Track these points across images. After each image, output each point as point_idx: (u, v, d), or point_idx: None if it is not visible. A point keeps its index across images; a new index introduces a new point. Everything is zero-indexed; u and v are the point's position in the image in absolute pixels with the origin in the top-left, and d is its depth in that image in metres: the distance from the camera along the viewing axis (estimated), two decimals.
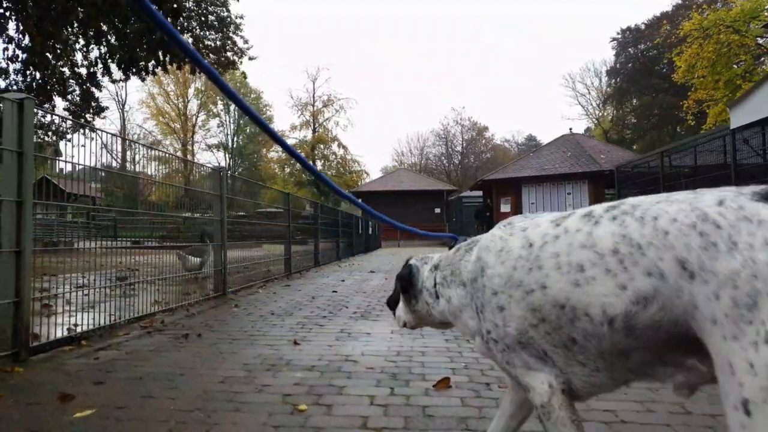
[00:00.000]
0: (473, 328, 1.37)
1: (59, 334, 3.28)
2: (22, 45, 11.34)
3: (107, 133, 4.19)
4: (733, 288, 0.84)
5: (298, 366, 2.78)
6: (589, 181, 18.66)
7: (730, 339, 0.83)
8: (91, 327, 3.54)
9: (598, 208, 1.12)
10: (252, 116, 1.55)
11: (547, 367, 1.18)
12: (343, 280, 7.36)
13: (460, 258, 1.45)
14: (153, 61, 12.18)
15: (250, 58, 20.47)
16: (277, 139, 1.74)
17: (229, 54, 20.28)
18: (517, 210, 19.85)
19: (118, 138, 4.77)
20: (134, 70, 12.89)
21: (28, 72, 11.83)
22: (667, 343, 0.99)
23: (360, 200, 2.56)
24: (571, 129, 23.15)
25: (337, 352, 3.11)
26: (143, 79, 16.30)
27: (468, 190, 28.21)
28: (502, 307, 1.21)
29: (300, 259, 9.62)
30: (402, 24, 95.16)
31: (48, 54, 11.52)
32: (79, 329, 3.46)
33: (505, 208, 20.35)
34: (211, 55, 20.16)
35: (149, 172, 5.34)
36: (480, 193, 25.18)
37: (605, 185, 19.16)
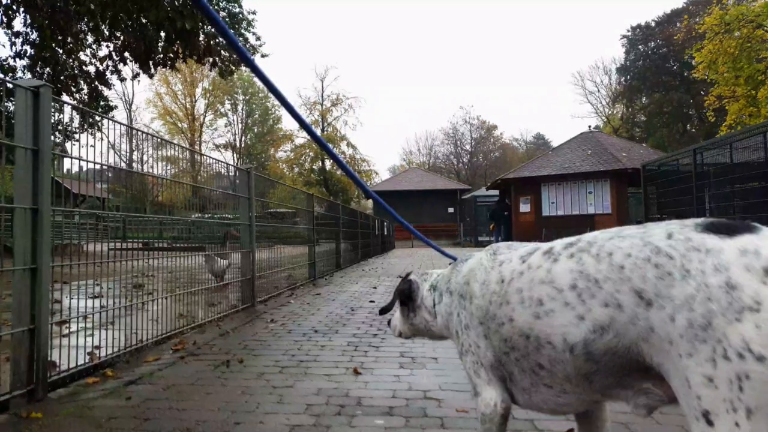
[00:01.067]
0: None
1: (79, 361, 2.80)
2: (30, 40, 10.91)
3: (142, 131, 3.73)
4: (688, 310, 0.92)
5: (372, 407, 2.28)
6: (611, 179, 18.07)
7: (686, 356, 0.91)
8: (115, 351, 3.07)
9: (558, 245, 1.23)
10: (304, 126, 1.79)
11: (500, 388, 1.37)
12: (375, 287, 6.87)
13: (454, 280, 1.55)
14: (171, 54, 11.68)
15: (263, 55, 20.01)
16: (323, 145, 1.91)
17: None
18: (536, 210, 19.31)
19: (151, 136, 4.31)
20: (152, 62, 12.42)
21: (36, 69, 11.40)
22: (623, 367, 1.08)
23: (384, 201, 2.19)
24: (590, 126, 22.56)
25: (410, 385, 2.62)
26: (158, 69, 15.95)
27: (484, 188, 27.66)
28: (486, 335, 1.36)
29: (322, 262, 9.15)
30: (409, 23, 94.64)
31: (58, 49, 11.08)
32: (101, 353, 2.99)
33: (524, 207, 19.79)
34: (223, 51, 19.76)
35: (177, 174, 4.87)
36: (495, 192, 24.64)
37: (628, 184, 18.58)
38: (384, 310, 1.85)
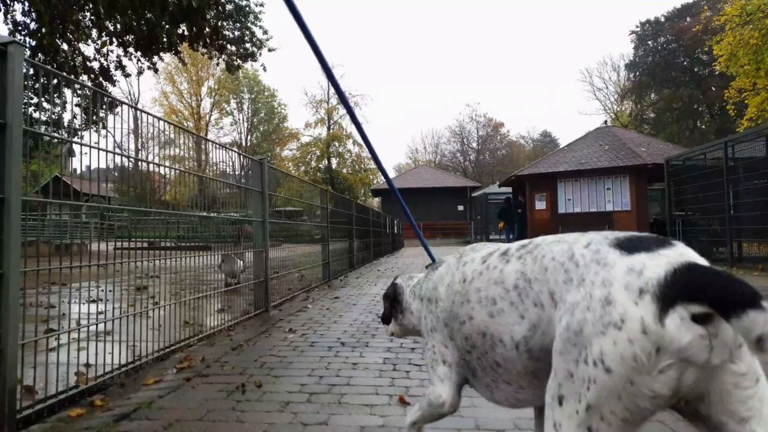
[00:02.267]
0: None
1: (61, 386, 2.27)
2: (30, 29, 10.43)
3: (165, 121, 3.20)
4: (570, 315, 1.00)
5: None
6: (631, 175, 17.41)
7: (559, 353, 1.00)
8: (107, 371, 2.54)
9: (513, 247, 1.30)
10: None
11: (453, 390, 1.44)
12: None
13: (425, 286, 1.64)
14: (175, 37, 11.15)
15: (270, 50, 19.54)
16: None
17: (248, 45, 19.44)
18: (552, 207, 18.67)
19: (165, 123, 3.79)
20: (155, 47, 11.92)
21: (36, 59, 10.91)
22: None
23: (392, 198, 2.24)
24: (606, 121, 21.89)
25: (476, 421, 2.07)
26: (162, 56, 15.55)
27: (496, 185, 27.03)
28: (450, 336, 1.42)
29: (336, 262, 8.61)
30: (415, 21, 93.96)
31: (58, 38, 10.58)
32: (90, 374, 2.46)
33: (540, 205, 19.15)
34: (229, 46, 19.29)
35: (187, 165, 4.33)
36: (508, 189, 24.04)
37: (648, 180, 17.93)
38: (385, 319, 1.88)
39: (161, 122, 3.46)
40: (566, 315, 1.00)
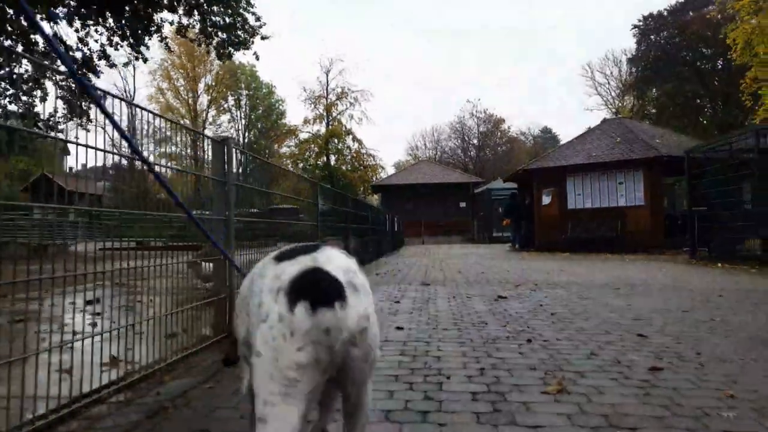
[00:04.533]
0: None
1: None
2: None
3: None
4: (248, 315, 1.37)
5: None
6: (645, 168, 16.37)
7: (251, 338, 1.29)
8: (27, 418, 1.54)
9: (271, 255, 1.43)
10: None
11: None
12: (398, 302, 5.31)
13: None
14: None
15: (263, 38, 18.59)
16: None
17: (240, 32, 18.48)
18: (561, 203, 17.65)
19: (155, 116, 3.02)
20: (140, 33, 10.99)
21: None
22: None
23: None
24: (618, 111, 20.81)
25: None
26: (146, 39, 14.64)
27: (500, 180, 25.99)
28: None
29: None
30: (416, 17, 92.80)
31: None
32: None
33: (546, 200, 18.13)
34: (220, 33, 18.35)
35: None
36: (512, 185, 23.03)
37: (663, 173, 16.90)
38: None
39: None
40: (249, 317, 1.34)
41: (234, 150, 3.91)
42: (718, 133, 30.19)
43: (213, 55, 19.39)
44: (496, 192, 26.68)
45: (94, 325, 3.95)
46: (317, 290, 1.15)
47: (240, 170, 3.95)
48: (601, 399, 2.29)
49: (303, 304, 1.12)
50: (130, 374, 2.67)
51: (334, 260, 1.26)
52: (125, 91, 48.46)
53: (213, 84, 54.93)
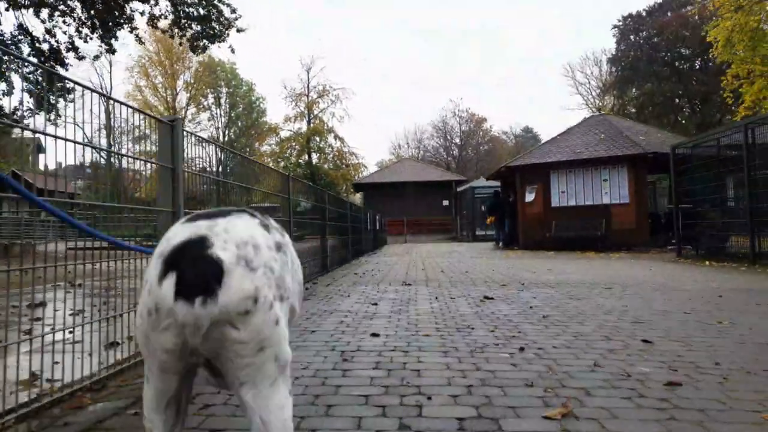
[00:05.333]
0: None
1: None
2: None
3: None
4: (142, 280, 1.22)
5: None
6: (629, 165, 16.15)
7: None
8: None
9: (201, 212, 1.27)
10: None
11: None
12: (375, 304, 4.85)
13: None
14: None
15: (239, 30, 18.03)
16: None
17: (214, 24, 17.89)
18: (545, 200, 17.35)
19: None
20: (110, 24, 10.51)
21: None
22: None
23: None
24: (599, 110, 20.63)
25: None
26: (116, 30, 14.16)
27: (483, 179, 25.71)
28: None
29: (304, 265, 7.14)
30: (398, 15, 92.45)
31: None
32: None
33: (529, 197, 17.80)
34: (194, 25, 17.75)
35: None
36: (495, 183, 22.73)
37: (648, 169, 16.73)
38: None
39: None
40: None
41: (186, 134, 3.42)
42: (696, 133, 30.31)
43: (189, 49, 18.79)
44: (479, 190, 26.38)
45: (29, 332, 3.45)
46: (188, 270, 1.00)
47: (187, 155, 3.45)
48: (618, 426, 1.86)
49: (170, 279, 0.99)
50: (42, 396, 2.18)
51: (234, 230, 1.08)
52: (101, 88, 47.40)
53: (192, 81, 54.24)
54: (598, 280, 6.83)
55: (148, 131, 3.40)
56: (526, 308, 4.47)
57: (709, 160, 11.19)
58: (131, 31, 16.23)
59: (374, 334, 3.42)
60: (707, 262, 9.67)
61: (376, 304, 4.80)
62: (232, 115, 57.94)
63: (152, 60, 51.43)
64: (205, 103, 56.44)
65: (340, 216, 10.53)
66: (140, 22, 16.91)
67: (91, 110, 2.86)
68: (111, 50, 17.08)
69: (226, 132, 56.97)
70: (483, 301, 4.93)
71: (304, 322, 3.88)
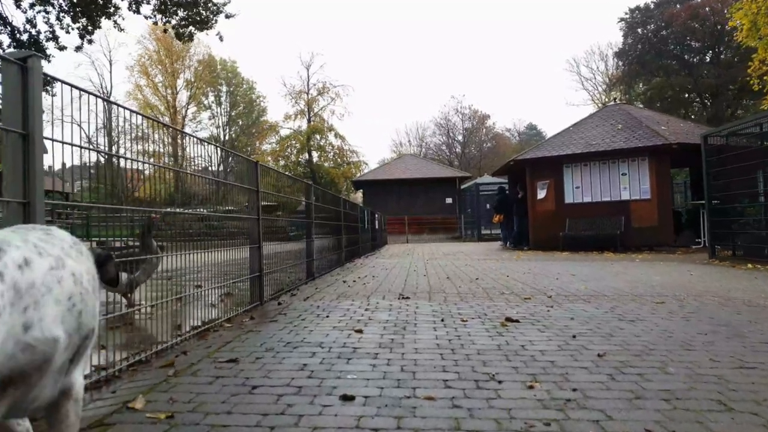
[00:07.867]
0: None
1: None
2: None
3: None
4: None
5: None
6: (651, 157, 14.82)
7: None
8: None
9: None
10: None
11: None
12: (359, 331, 3.58)
13: None
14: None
15: (227, 16, 16.95)
16: None
17: (201, 10, 16.79)
18: (558, 197, 16.06)
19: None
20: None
21: None
22: None
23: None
24: (615, 99, 19.34)
25: None
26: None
27: (489, 175, 24.44)
28: None
29: (279, 273, 5.93)
30: (399, 10, 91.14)
31: None
32: None
33: (541, 194, 16.51)
34: (180, 11, 16.67)
35: None
36: (501, 179, 21.49)
37: (671, 162, 15.42)
38: None
39: None
40: None
41: (49, 80, 2.20)
42: (708, 126, 29.01)
43: (174, 37, 17.72)
44: (484, 187, 25.11)
45: None
46: None
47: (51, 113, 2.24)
48: None
49: None
50: None
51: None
52: (102, 87, 46.63)
53: (192, 80, 53.76)
54: (640, 289, 5.59)
55: None
56: (567, 338, 3.23)
57: (748, 149, 9.92)
58: (109, 17, 15.13)
59: (346, 397, 2.15)
60: (749, 265, 8.42)
61: (360, 331, 3.54)
62: (233, 114, 57.30)
63: (152, 59, 50.88)
64: (206, 102, 55.94)
65: (332, 214, 9.30)
66: (122, 8, 15.83)
67: None
68: (88, 40, 16.03)
69: (227, 131, 56.32)
70: (505, 325, 3.68)
71: (247, 369, 2.61)
